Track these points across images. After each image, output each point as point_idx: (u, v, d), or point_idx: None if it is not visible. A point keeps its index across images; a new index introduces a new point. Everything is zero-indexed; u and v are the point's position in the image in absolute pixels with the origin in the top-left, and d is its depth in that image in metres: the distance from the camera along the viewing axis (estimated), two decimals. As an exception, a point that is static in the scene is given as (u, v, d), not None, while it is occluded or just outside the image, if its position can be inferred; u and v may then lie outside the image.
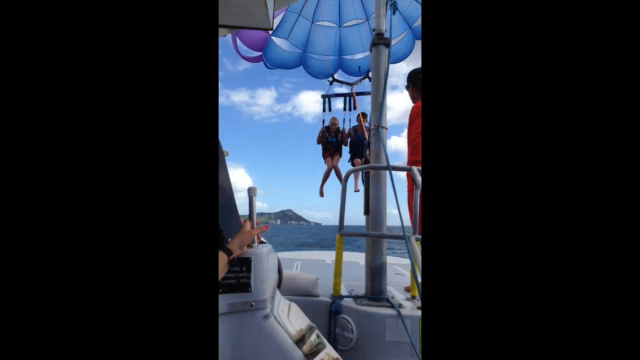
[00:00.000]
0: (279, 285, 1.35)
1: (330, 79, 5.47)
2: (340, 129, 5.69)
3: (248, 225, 1.09)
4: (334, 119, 5.67)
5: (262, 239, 1.21)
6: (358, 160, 5.39)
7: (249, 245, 1.10)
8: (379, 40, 2.24)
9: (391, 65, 2.26)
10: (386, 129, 2.22)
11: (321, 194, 6.32)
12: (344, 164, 5.81)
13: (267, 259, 1.10)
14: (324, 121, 5.77)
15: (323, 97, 5.70)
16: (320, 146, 5.86)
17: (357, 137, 5.48)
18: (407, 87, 2.59)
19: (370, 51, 2.33)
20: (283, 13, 4.96)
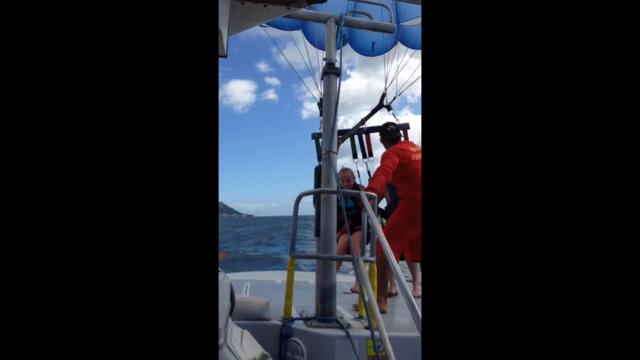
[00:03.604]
0: (231, 312, 1.34)
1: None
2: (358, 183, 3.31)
3: None
4: (345, 171, 3.30)
5: None
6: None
7: None
8: (330, 70, 2.35)
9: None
10: (336, 153, 2.32)
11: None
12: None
13: (220, 288, 1.10)
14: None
15: (314, 137, 3.37)
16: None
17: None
18: (381, 140, 2.88)
19: (322, 79, 2.43)
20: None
